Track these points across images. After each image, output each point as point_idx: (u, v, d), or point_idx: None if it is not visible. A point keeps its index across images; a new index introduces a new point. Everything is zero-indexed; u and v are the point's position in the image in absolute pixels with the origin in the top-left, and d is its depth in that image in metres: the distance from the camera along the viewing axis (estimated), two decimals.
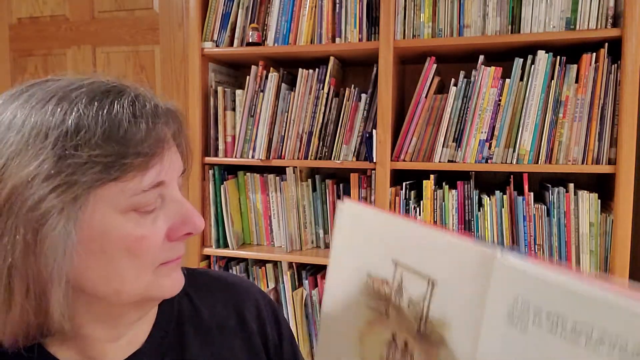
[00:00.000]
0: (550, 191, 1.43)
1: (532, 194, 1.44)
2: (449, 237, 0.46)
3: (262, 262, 1.76)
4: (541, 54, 1.40)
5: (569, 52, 1.43)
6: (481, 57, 1.46)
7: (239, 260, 1.79)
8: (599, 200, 1.40)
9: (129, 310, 0.52)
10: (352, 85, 1.59)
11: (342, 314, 0.54)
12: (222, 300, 0.64)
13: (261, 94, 1.64)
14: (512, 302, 0.39)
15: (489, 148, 1.45)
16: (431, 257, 0.47)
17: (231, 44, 1.68)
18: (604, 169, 1.38)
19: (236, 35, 1.67)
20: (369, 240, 0.52)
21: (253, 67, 1.65)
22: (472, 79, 1.45)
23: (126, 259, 0.46)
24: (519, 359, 0.39)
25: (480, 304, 0.43)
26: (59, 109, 0.44)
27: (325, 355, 0.56)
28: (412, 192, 1.56)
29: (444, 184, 1.52)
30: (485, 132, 1.44)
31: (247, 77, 1.65)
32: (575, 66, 1.40)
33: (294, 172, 1.66)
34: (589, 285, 0.35)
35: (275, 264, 1.74)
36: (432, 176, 1.51)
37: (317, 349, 0.56)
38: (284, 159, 1.63)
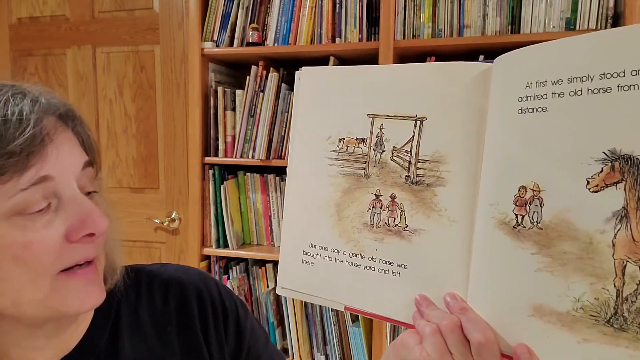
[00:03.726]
0: None
1: None
2: (429, 65, 0.45)
3: (262, 262, 1.76)
4: None
5: None
6: (481, 57, 1.46)
7: (238, 260, 1.79)
8: None
9: (44, 324, 0.49)
10: None
11: (313, 194, 0.50)
12: (162, 297, 0.60)
13: (261, 94, 1.64)
14: (522, 90, 0.38)
15: None
16: (414, 93, 0.44)
17: (231, 44, 1.68)
18: None
19: (236, 35, 1.67)
20: (335, 102, 0.49)
21: (253, 67, 1.65)
22: None
23: (15, 267, 0.43)
24: (543, 141, 0.38)
25: (481, 118, 0.42)
26: None
27: (295, 243, 0.51)
28: None
29: None
30: None
31: (247, 77, 1.65)
32: None
33: None
34: (614, 31, 0.35)
35: (275, 263, 1.74)
36: None
37: (283, 244, 0.52)
38: (284, 159, 1.63)
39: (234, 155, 1.68)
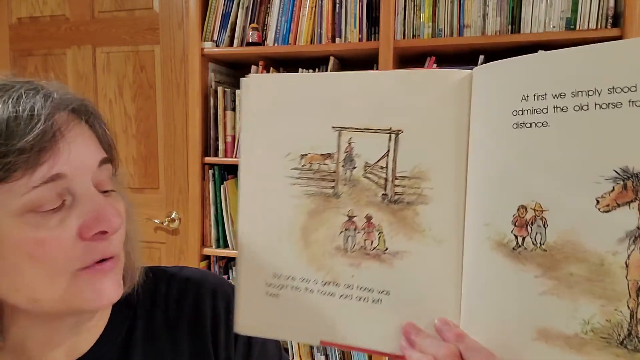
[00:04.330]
0: None
1: None
2: (399, 73, 0.41)
3: None
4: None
5: None
6: (481, 57, 1.46)
7: None
8: None
9: (61, 321, 0.49)
10: None
11: (273, 218, 0.44)
12: (177, 294, 0.60)
13: None
14: (517, 104, 0.36)
15: None
16: (386, 103, 0.41)
17: (231, 44, 1.68)
18: None
19: (236, 35, 1.67)
20: (293, 114, 0.43)
21: (253, 67, 1.65)
22: None
23: (30, 265, 0.43)
24: (544, 158, 0.35)
25: (461, 130, 0.39)
26: None
27: (256, 275, 0.45)
28: None
29: None
30: None
31: None
32: None
33: None
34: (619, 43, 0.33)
35: None
36: None
37: (240, 279, 0.46)
38: None
39: (234, 155, 1.68)
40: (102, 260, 0.46)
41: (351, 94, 0.42)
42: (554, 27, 1.40)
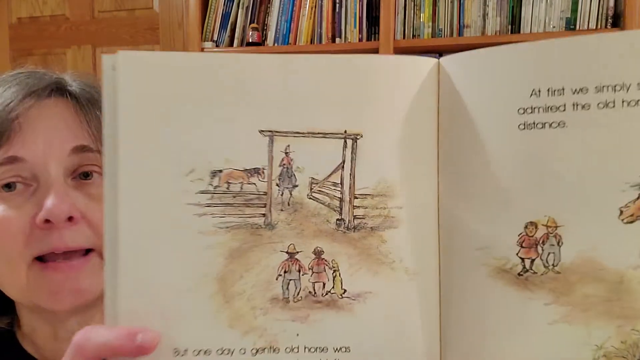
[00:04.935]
0: None
1: None
2: (359, 58, 0.32)
3: None
4: None
5: None
6: None
7: None
8: None
9: (65, 315, 0.47)
10: None
11: (171, 266, 0.31)
12: None
13: None
14: (525, 100, 0.31)
15: None
16: (339, 97, 0.31)
17: (231, 44, 1.68)
18: None
19: (236, 35, 1.67)
20: (195, 112, 0.31)
21: None
22: None
23: None
24: (560, 165, 0.31)
25: (432, 130, 0.32)
26: None
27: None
28: None
29: None
30: None
31: None
32: None
33: None
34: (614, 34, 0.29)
35: None
36: None
37: None
38: None
39: None
40: (60, 258, 0.44)
41: (288, 84, 0.31)
42: (553, 27, 1.40)
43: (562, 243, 0.31)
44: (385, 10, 1.49)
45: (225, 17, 1.67)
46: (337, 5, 1.57)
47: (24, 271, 0.44)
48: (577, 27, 1.38)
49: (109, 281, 0.30)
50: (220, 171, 0.31)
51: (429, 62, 0.33)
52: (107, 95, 0.30)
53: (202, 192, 0.31)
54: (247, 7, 1.67)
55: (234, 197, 0.31)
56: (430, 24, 1.50)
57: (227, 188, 0.31)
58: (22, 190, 0.44)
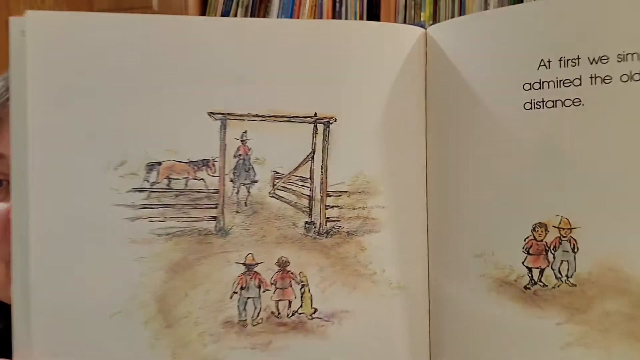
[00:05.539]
0: None
1: None
2: (329, 23, 0.27)
3: None
4: None
5: None
6: None
7: None
8: None
9: None
10: None
11: (95, 285, 0.25)
12: None
13: None
14: (532, 72, 0.26)
15: None
16: (306, 72, 0.26)
17: None
18: None
19: None
20: (126, 90, 0.25)
21: None
22: None
23: None
24: (575, 154, 0.26)
25: (421, 113, 0.28)
26: None
27: None
28: None
29: None
30: None
31: None
32: None
33: None
34: None
35: None
36: None
37: None
38: None
39: None
40: None
41: (244, 54, 0.25)
42: None
43: (577, 249, 0.26)
44: (386, 10, 1.48)
45: (225, 15, 1.68)
46: (337, 3, 1.57)
47: (2, 270, 0.43)
48: None
49: (18, 308, 0.24)
50: (159, 163, 0.25)
51: (415, 31, 0.28)
52: (14, 66, 0.25)
53: (136, 190, 0.25)
54: (247, 6, 1.68)
55: (177, 196, 0.25)
56: (431, 22, 1.49)
57: (168, 185, 0.25)
58: (7, 187, 0.44)
